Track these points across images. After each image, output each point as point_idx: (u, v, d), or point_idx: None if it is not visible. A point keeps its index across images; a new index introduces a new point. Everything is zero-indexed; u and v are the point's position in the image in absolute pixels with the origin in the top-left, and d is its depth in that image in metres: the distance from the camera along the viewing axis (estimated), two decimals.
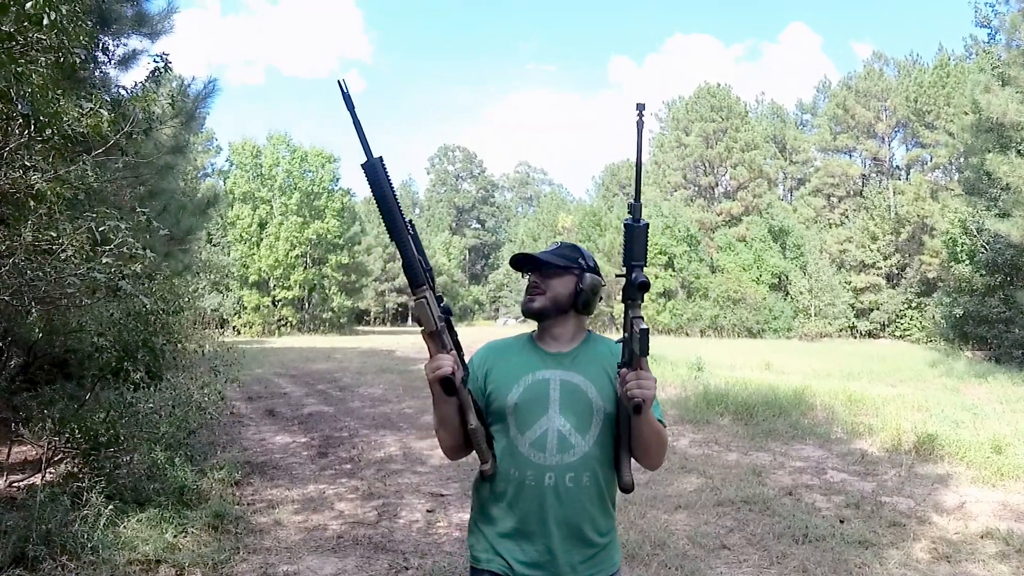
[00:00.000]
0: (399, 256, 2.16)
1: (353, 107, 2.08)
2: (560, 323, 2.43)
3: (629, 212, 2.16)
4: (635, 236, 2.14)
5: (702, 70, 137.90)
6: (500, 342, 2.55)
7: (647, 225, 2.16)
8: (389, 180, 2.14)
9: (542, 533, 2.30)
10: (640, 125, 2.12)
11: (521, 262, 2.45)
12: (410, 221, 2.18)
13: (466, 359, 2.36)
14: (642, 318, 2.11)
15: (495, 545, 2.37)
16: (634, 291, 2.12)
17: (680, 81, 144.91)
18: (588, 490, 2.32)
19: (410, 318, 75.23)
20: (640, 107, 2.11)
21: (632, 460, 2.36)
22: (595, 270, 2.45)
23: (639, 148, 2.18)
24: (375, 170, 2.11)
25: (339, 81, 2.06)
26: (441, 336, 2.20)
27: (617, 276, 2.26)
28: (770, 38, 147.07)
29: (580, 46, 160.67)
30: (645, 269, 2.16)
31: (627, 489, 2.35)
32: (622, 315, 2.18)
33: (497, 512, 2.37)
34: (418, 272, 2.15)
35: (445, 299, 2.25)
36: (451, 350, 2.21)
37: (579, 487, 2.30)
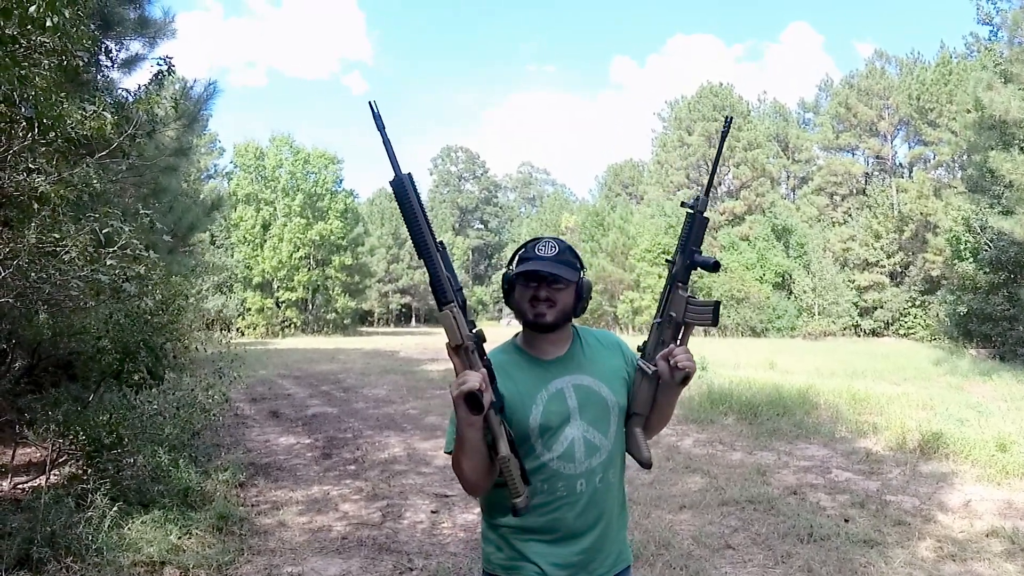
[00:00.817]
0: (427, 273, 2.13)
1: (383, 127, 2.08)
2: (561, 330, 2.37)
3: (691, 205, 2.35)
4: (698, 225, 2.33)
5: (703, 70, 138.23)
6: (493, 358, 2.31)
7: (708, 219, 2.37)
8: (418, 197, 2.12)
9: (579, 536, 2.29)
10: (724, 134, 2.40)
11: (548, 279, 2.29)
12: (441, 242, 2.15)
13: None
14: (695, 296, 2.33)
15: (524, 551, 2.29)
16: (687, 273, 2.33)
17: (682, 81, 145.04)
18: (615, 485, 2.38)
19: (414, 319, 75.40)
20: (728, 119, 2.42)
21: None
22: (584, 270, 2.41)
23: (719, 151, 2.50)
24: (403, 187, 2.09)
25: (370, 103, 2.08)
26: (469, 353, 2.11)
27: (667, 261, 2.40)
28: (771, 38, 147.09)
29: (581, 47, 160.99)
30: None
31: (649, 464, 2.41)
32: (662, 297, 2.39)
33: (524, 522, 2.28)
34: (446, 289, 2.10)
35: (478, 326, 2.16)
36: (479, 368, 2.11)
37: (608, 485, 2.34)
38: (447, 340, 2.11)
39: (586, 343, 2.44)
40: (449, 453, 2.28)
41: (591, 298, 2.44)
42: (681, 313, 2.32)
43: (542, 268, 2.28)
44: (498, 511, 2.34)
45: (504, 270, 2.42)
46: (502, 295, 2.47)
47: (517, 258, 2.39)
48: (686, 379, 2.25)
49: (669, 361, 2.26)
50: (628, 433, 2.41)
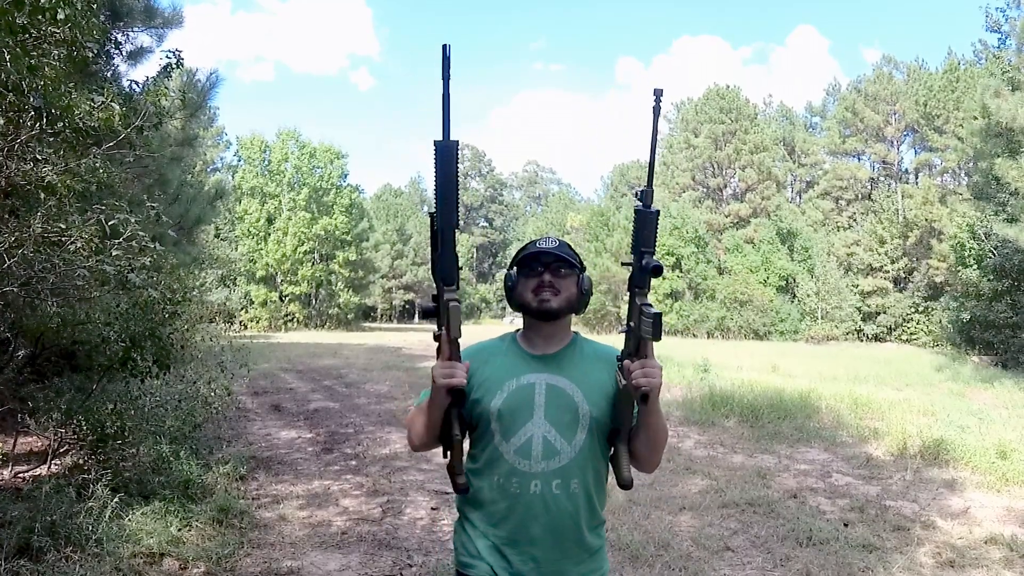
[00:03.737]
0: (437, 246, 2.11)
1: (449, 78, 2.02)
2: (559, 325, 2.36)
3: (639, 198, 2.12)
4: (646, 222, 2.10)
5: (710, 72, 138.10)
6: (480, 345, 2.45)
7: (658, 212, 2.12)
8: (457, 167, 2.10)
9: (528, 542, 2.23)
10: (656, 111, 2.06)
11: (551, 260, 2.31)
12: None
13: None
14: (651, 305, 2.05)
15: (481, 551, 2.29)
16: (643, 278, 2.09)
17: (688, 83, 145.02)
18: (576, 497, 2.25)
19: (417, 315, 75.27)
20: (658, 92, 2.05)
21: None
22: (583, 269, 2.40)
23: (654, 133, 2.12)
24: (450, 153, 2.06)
25: (444, 46, 2.00)
26: (458, 346, 2.16)
27: (623, 264, 2.22)
28: (777, 40, 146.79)
29: (588, 46, 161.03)
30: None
31: (627, 485, 2.27)
32: (628, 305, 2.14)
33: (482, 518, 2.30)
34: (454, 274, 2.12)
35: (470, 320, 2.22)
36: (462, 361, 2.18)
37: (567, 494, 2.24)
38: (442, 328, 2.13)
39: (580, 350, 2.38)
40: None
41: (592, 294, 2.40)
42: (637, 323, 2.09)
43: (546, 248, 2.30)
44: (463, 503, 2.39)
45: (506, 272, 2.41)
46: (505, 296, 2.45)
47: (519, 256, 2.37)
48: (644, 398, 2.09)
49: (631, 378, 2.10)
50: (613, 450, 2.33)
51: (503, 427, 2.26)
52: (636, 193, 2.12)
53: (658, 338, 1.99)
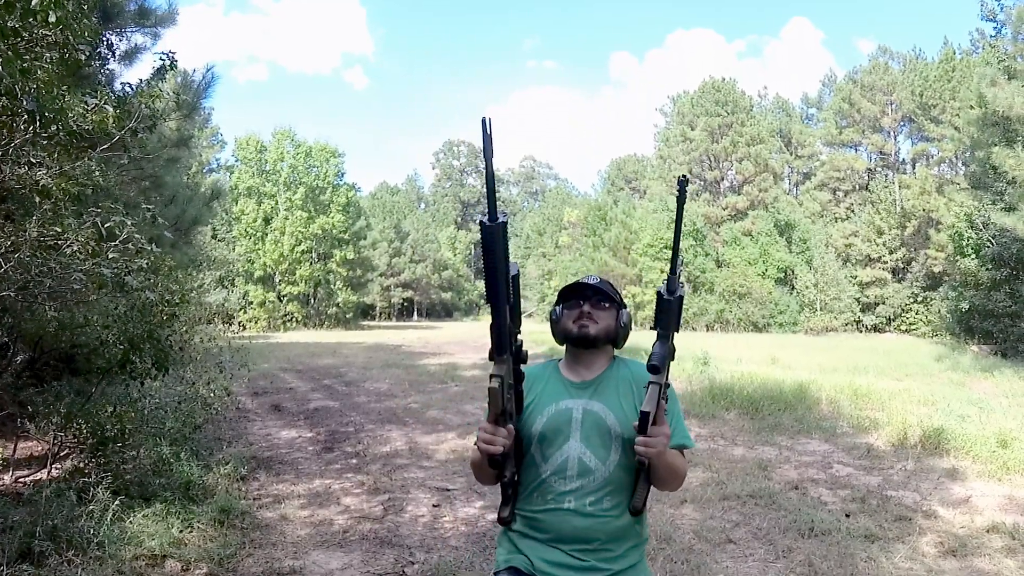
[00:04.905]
0: (497, 316, 2.17)
1: (491, 154, 2.01)
2: (598, 354, 2.51)
3: (664, 285, 2.25)
4: (663, 307, 2.24)
5: (704, 65, 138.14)
6: (526, 371, 2.52)
7: (681, 298, 2.25)
8: (506, 244, 2.08)
9: (568, 542, 2.34)
10: (681, 199, 2.12)
11: (588, 293, 2.49)
12: (515, 276, 2.15)
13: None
14: (666, 386, 2.23)
15: (518, 544, 2.42)
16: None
17: (682, 77, 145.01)
18: (610, 512, 2.36)
19: (415, 313, 75.32)
20: (682, 181, 2.10)
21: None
22: (626, 307, 2.55)
23: (679, 220, 2.22)
24: (494, 235, 2.04)
25: (484, 119, 1.95)
26: (507, 416, 2.24)
27: (652, 328, 2.33)
28: (772, 33, 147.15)
29: (581, 43, 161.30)
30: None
31: (634, 512, 2.35)
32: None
33: (523, 527, 2.42)
34: (505, 342, 2.17)
35: (523, 348, 2.26)
36: (508, 420, 2.25)
37: (600, 510, 2.35)
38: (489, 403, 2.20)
39: (617, 372, 2.50)
40: None
41: (631, 328, 2.55)
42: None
43: (586, 281, 2.50)
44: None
45: (551, 309, 2.60)
46: (550, 330, 2.59)
47: (562, 291, 2.57)
48: (641, 466, 2.26)
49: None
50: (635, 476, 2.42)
51: (542, 449, 2.41)
52: (663, 284, 2.26)
53: (642, 433, 2.14)
